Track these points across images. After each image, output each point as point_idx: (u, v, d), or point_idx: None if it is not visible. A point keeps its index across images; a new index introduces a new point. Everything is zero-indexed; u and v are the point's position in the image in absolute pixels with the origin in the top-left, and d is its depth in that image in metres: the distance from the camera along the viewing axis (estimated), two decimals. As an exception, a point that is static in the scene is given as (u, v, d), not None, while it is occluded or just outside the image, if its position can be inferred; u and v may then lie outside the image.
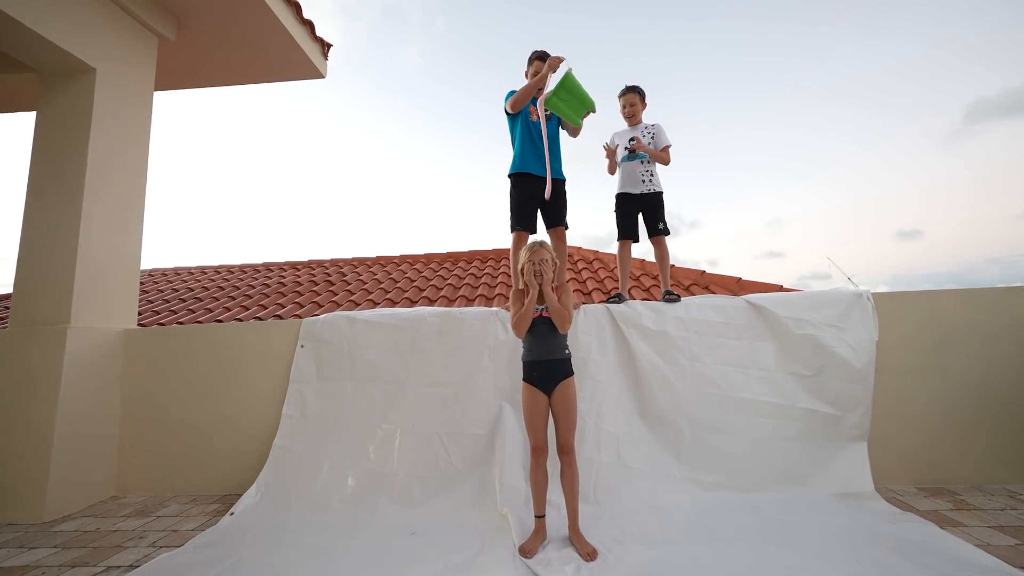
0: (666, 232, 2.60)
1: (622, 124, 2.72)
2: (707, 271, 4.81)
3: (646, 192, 2.59)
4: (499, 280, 5.48)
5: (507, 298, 4.80)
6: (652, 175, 2.60)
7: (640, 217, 2.62)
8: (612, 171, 2.69)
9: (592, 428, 2.24)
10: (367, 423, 2.35)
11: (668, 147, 2.59)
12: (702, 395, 2.30)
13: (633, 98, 2.66)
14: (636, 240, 2.64)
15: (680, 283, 4.63)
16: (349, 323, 2.53)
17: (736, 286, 4.46)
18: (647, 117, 2.68)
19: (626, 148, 2.60)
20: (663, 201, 2.60)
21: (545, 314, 1.81)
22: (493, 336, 2.40)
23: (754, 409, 2.27)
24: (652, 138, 2.60)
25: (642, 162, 2.58)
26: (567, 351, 1.82)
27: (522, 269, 1.85)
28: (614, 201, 2.67)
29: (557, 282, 1.94)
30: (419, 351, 2.40)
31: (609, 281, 5.13)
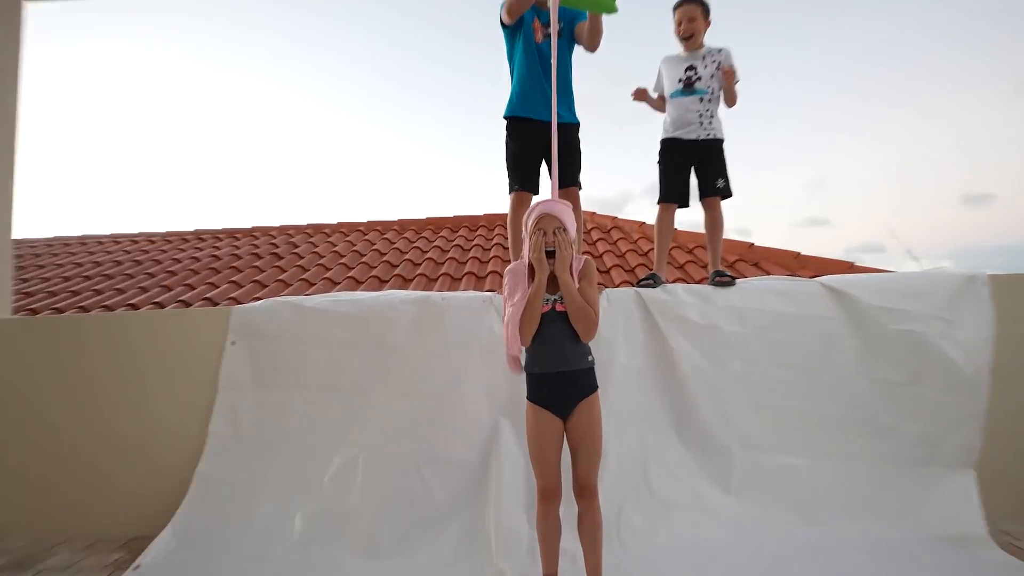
0: (726, 193, 2.50)
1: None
2: (754, 244, 4.68)
3: (704, 138, 2.49)
4: (492, 254, 5.39)
5: (502, 277, 4.65)
6: (712, 117, 2.51)
7: (692, 172, 2.54)
8: (661, 107, 2.60)
9: (615, 451, 2.16)
10: (321, 446, 2.23)
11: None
12: (759, 408, 2.23)
13: (693, 11, 2.49)
14: (684, 204, 2.58)
15: (724, 260, 4.65)
16: (296, 312, 2.38)
17: (795, 263, 4.40)
18: (710, 40, 2.54)
19: (681, 80, 2.49)
20: (724, 152, 2.51)
21: (560, 307, 1.62)
22: (487, 329, 2.28)
23: (827, 426, 2.21)
24: (717, 69, 2.47)
25: (701, 99, 2.48)
26: (590, 358, 1.65)
27: (530, 242, 1.65)
28: (658, 149, 2.60)
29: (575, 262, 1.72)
30: (389, 350, 2.29)
31: (633, 257, 5.09)
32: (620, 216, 6.26)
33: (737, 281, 2.40)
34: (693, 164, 2.53)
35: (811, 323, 2.28)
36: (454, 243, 5.97)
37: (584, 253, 1.80)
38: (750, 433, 2.21)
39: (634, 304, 2.33)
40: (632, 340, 2.30)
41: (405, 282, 4.79)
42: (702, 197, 2.54)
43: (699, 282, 4.16)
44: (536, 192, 2.55)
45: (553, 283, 1.65)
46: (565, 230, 1.63)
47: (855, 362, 2.24)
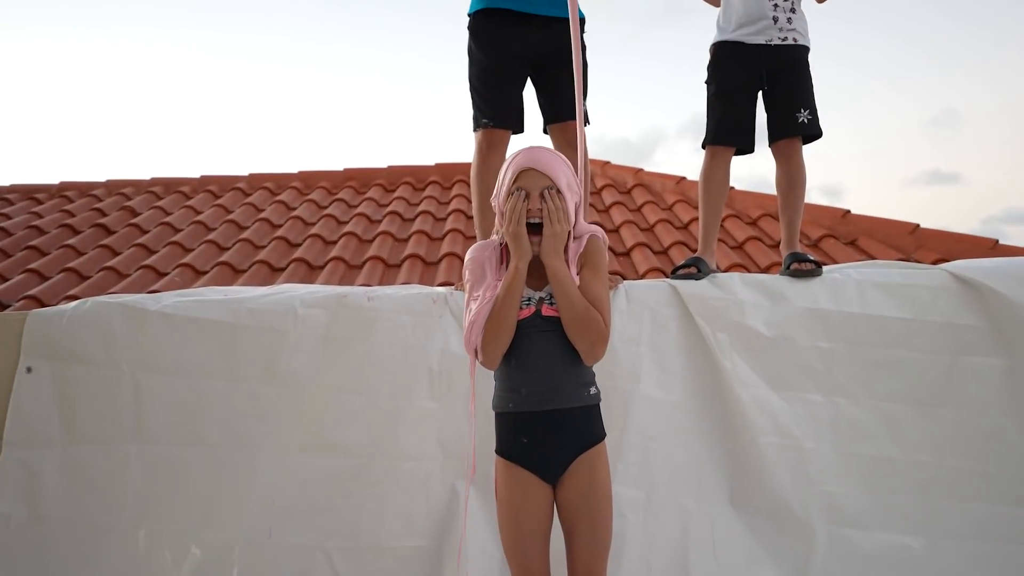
0: (812, 131, 2.55)
1: None
2: (850, 211, 4.80)
3: (781, 43, 2.53)
4: (449, 225, 5.48)
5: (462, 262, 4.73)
6: (793, 12, 2.56)
7: (760, 99, 2.59)
8: (716, 1, 2.69)
9: (636, 531, 2.20)
10: (173, 532, 2.22)
11: None
12: (851, 462, 2.30)
13: None
14: (746, 148, 2.62)
15: (804, 236, 4.71)
16: (134, 319, 2.35)
17: (910, 240, 4.50)
18: None
19: None
20: (810, 68, 2.57)
21: (548, 310, 1.67)
22: (439, 346, 2.32)
23: (956, 490, 2.29)
24: None
25: None
26: (593, 389, 1.72)
27: (505, 211, 1.68)
28: (707, 61, 2.63)
29: (577, 242, 1.75)
30: (283, 379, 2.29)
31: (664, 229, 5.20)
32: (647, 168, 6.39)
33: (825, 269, 2.43)
34: (762, 85, 2.58)
35: (934, 334, 2.33)
36: (388, 208, 6.00)
37: (592, 223, 1.85)
38: (840, 501, 2.26)
39: (667, 305, 2.36)
40: (664, 360, 2.33)
41: (310, 270, 4.84)
42: (775, 138, 2.58)
43: (766, 270, 4.20)
44: (518, 130, 2.56)
45: (539, 273, 1.67)
46: (559, 192, 1.64)
47: (1000, 393, 2.30)
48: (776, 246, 4.69)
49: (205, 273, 4.81)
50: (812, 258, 2.48)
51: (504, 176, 1.70)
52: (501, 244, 1.73)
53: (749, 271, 4.21)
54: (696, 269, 2.44)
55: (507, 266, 1.67)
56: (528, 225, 1.63)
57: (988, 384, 2.31)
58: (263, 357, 2.29)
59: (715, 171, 2.62)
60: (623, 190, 6.25)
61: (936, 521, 2.25)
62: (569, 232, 1.66)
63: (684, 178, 6.03)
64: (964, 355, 2.33)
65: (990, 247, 4.09)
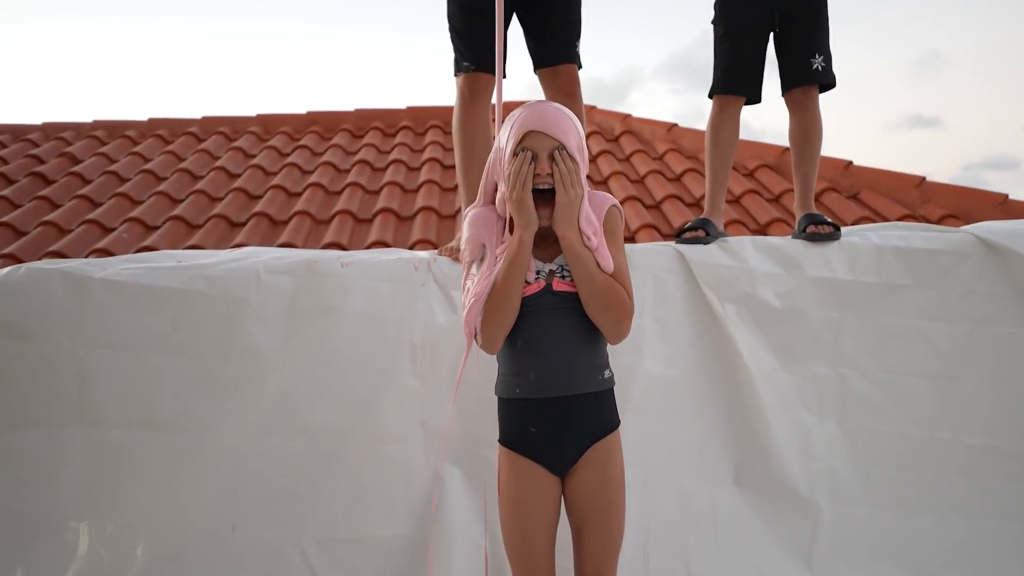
0: (826, 79, 2.50)
1: None
2: (852, 162, 4.74)
3: None
4: (424, 176, 5.37)
5: (439, 217, 4.58)
6: None
7: (771, 43, 2.52)
8: None
9: (635, 507, 2.17)
10: (119, 524, 2.14)
11: None
12: (860, 438, 2.31)
13: None
14: (755, 98, 2.55)
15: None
16: (75, 287, 2.22)
17: (915, 194, 4.46)
18: None
19: None
20: (827, 8, 2.50)
21: (561, 285, 1.60)
22: (422, 318, 2.26)
23: (967, 464, 2.29)
24: None
25: None
26: (607, 372, 1.68)
27: (509, 173, 1.58)
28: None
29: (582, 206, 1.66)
30: (245, 354, 2.20)
31: (655, 181, 5.11)
32: (633, 114, 6.30)
33: (843, 231, 2.40)
34: (773, 27, 2.51)
35: (953, 303, 2.31)
36: (357, 156, 5.84)
37: (595, 188, 1.76)
38: (846, 478, 2.26)
39: (672, 272, 2.31)
40: (668, 334, 2.30)
41: (273, 225, 4.70)
42: (788, 87, 2.52)
43: (765, 227, 4.09)
44: (502, 75, 2.47)
45: (547, 244, 1.61)
46: (571, 155, 1.56)
47: (1022, 365, 2.30)
48: (775, 200, 4.64)
49: (156, 229, 4.67)
50: (828, 220, 2.43)
51: (507, 136, 1.59)
52: (505, 215, 1.63)
53: (747, 229, 4.13)
54: (704, 232, 2.39)
55: (515, 238, 1.58)
56: (534, 192, 1.54)
57: (1010, 356, 2.30)
58: (223, 329, 2.20)
59: (724, 124, 2.57)
60: (610, 137, 6.16)
61: (949, 499, 2.26)
62: (583, 199, 1.57)
63: (676, 125, 5.95)
64: (985, 324, 2.31)
65: (1000, 203, 4.10)
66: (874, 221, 4.16)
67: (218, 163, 5.71)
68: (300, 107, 7.79)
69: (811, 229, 2.37)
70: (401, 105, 6.96)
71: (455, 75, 2.47)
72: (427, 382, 2.22)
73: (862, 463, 2.28)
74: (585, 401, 1.60)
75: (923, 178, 4.54)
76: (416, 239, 4.30)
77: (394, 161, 5.70)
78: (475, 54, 2.41)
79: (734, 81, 2.55)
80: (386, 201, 4.92)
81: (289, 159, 5.79)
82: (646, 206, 4.74)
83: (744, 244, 2.35)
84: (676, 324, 2.32)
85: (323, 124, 6.65)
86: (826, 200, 4.70)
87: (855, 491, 2.26)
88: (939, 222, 4.15)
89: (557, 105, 1.62)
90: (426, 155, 5.77)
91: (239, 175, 5.49)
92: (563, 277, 1.59)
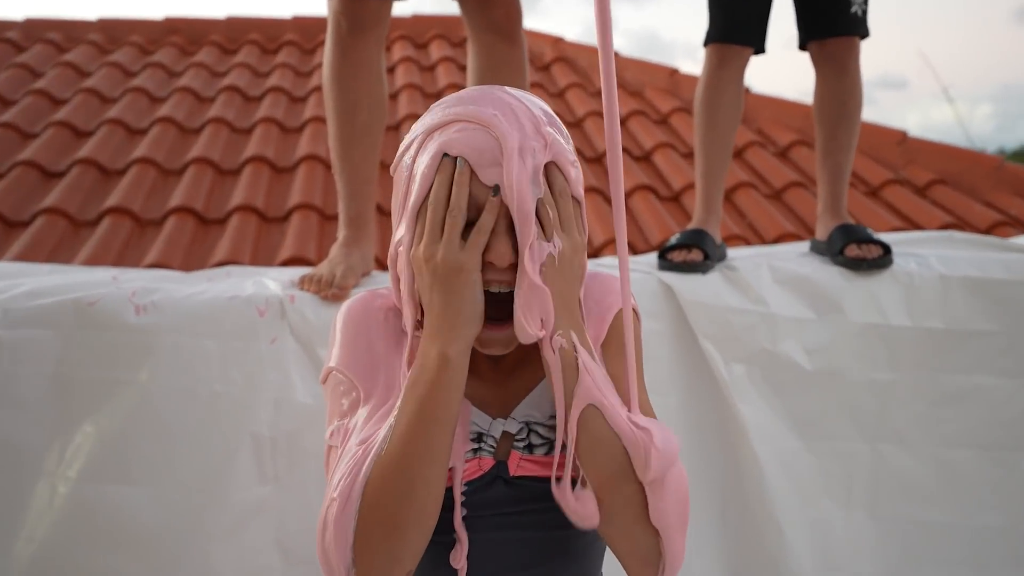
0: (860, 28, 2.06)
1: None
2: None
3: None
4: (309, 112, 4.69)
5: (327, 170, 3.82)
6: None
7: None
8: None
9: None
10: None
11: None
12: (897, 528, 2.05)
13: None
14: (759, 48, 2.11)
15: (769, 141, 4.27)
16: None
17: (898, 152, 4.25)
18: None
19: None
20: None
21: (522, 466, 0.92)
22: (271, 396, 1.78)
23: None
24: None
25: None
26: None
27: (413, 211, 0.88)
28: None
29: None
30: None
31: (594, 125, 4.51)
32: (551, 30, 5.62)
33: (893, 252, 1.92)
34: None
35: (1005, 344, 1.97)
36: (225, 80, 5.01)
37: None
38: None
39: (655, 317, 1.88)
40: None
41: (103, 176, 3.83)
42: (817, 36, 2.01)
43: (783, 192, 3.72)
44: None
45: (499, 379, 0.97)
46: (561, 193, 0.87)
47: None
48: (782, 155, 4.14)
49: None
50: (875, 237, 1.89)
51: (421, 152, 0.86)
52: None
53: (759, 193, 3.53)
54: (702, 254, 1.83)
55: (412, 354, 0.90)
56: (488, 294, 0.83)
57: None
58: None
59: (725, 86, 2.02)
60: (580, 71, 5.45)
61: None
62: (583, 275, 0.91)
63: (676, 69, 5.27)
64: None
65: (996, 166, 3.88)
66: (855, 188, 3.68)
67: (39, 84, 4.63)
68: (156, 11, 6.74)
69: (853, 252, 1.83)
70: (286, 14, 6.21)
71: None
72: (283, 487, 1.67)
73: (895, 563, 2.00)
74: None
75: (904, 134, 4.21)
76: (296, 202, 3.47)
77: (272, 89, 4.83)
78: None
79: (740, 24, 2.01)
80: (259, 146, 4.03)
81: (135, 81, 4.83)
82: (634, 157, 4.11)
83: (760, 272, 1.84)
84: (659, 390, 1.82)
85: (184, 34, 5.79)
86: (794, 155, 4.19)
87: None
88: (926, 188, 3.78)
89: (512, 91, 0.86)
90: (314, 81, 4.91)
91: (64, 101, 4.46)
92: (529, 448, 0.90)
